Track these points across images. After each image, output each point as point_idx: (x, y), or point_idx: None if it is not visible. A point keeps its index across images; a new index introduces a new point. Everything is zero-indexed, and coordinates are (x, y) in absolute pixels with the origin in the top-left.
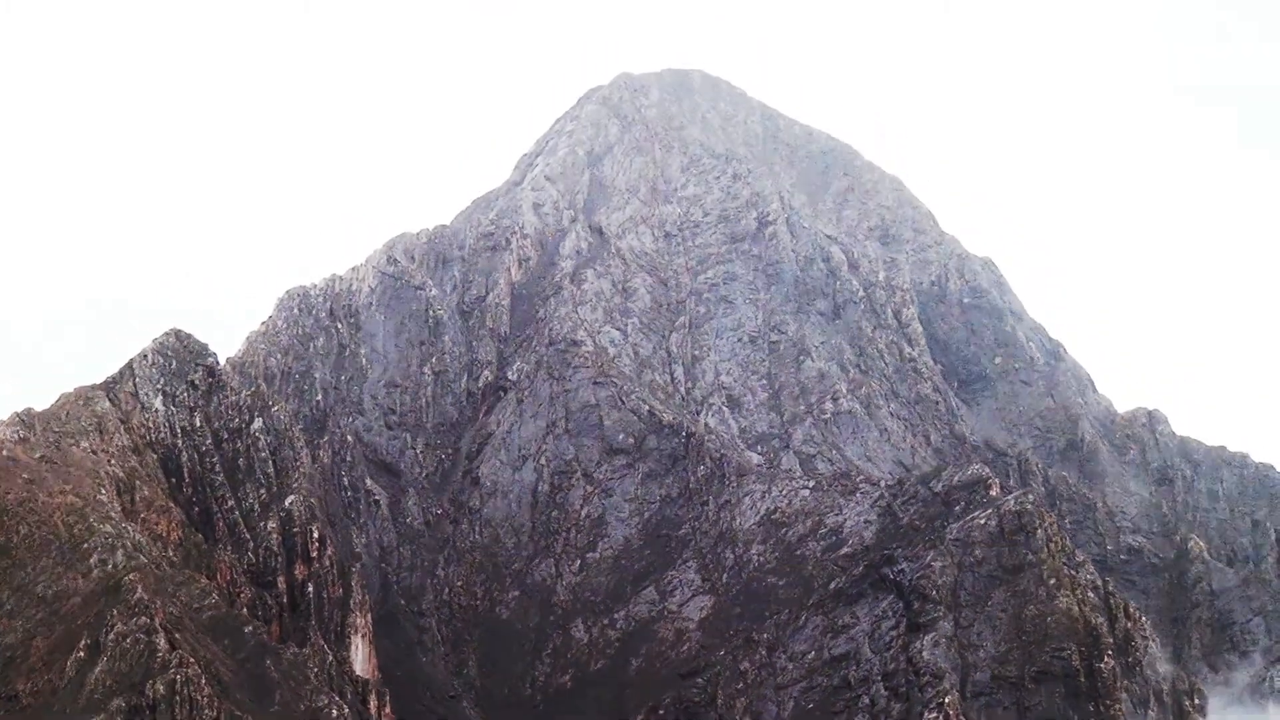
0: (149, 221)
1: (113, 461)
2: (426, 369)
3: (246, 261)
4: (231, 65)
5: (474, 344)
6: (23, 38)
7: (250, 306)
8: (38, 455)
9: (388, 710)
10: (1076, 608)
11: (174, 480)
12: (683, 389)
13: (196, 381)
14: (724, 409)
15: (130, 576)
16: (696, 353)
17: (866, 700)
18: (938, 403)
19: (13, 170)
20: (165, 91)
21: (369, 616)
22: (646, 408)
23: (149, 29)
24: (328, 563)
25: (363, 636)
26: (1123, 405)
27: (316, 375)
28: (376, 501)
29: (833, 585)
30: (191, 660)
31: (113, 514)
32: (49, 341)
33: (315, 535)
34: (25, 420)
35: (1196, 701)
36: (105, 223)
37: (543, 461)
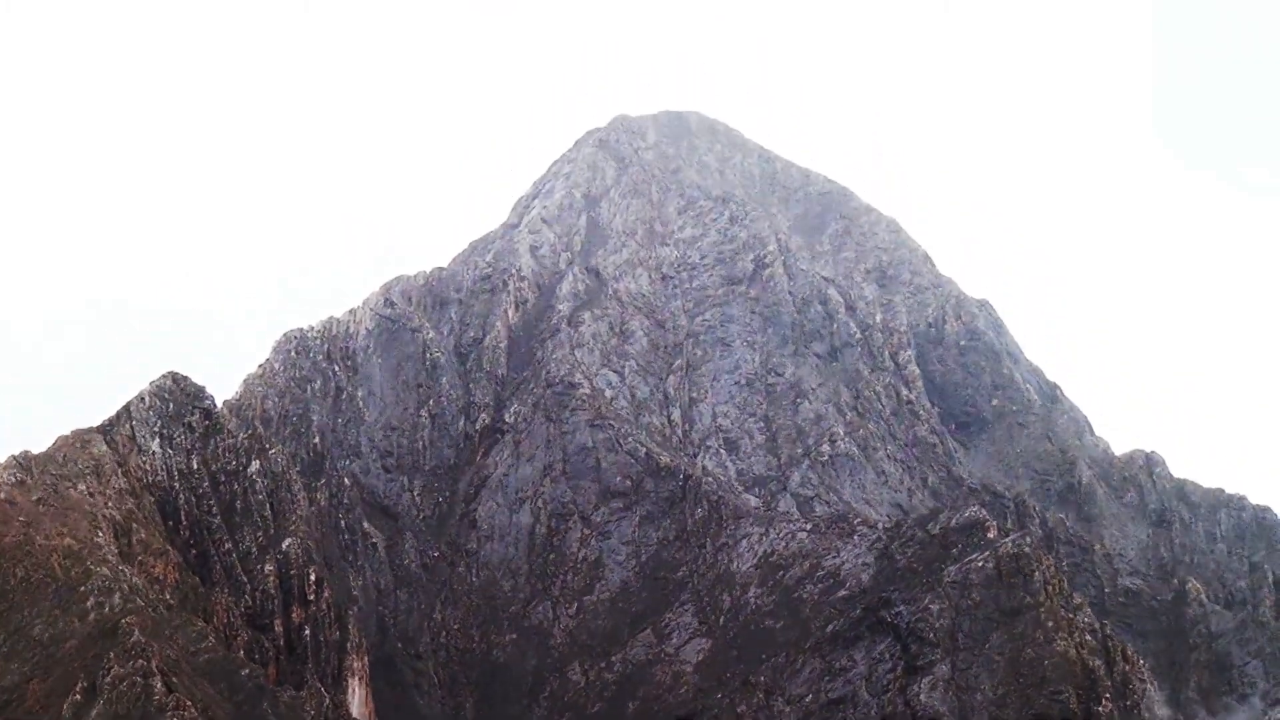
0: (149, 221)
1: (110, 504)
2: (424, 411)
3: (247, 262)
4: (234, 70)
5: (471, 386)
6: (23, 37)
7: (250, 307)
8: (35, 498)
9: None
10: (1074, 651)
11: (171, 523)
12: (680, 431)
13: (193, 424)
14: (721, 451)
15: (127, 619)
16: (694, 395)
17: None
18: (935, 445)
19: (13, 170)
20: (166, 93)
21: (366, 659)
22: (644, 450)
23: (150, 34)
24: (325, 605)
25: (359, 679)
26: (1120, 447)
27: (313, 418)
28: (374, 544)
29: (830, 628)
30: (188, 703)
31: (110, 557)
32: (49, 341)
33: (312, 578)
34: (22, 463)
35: None
36: (105, 223)
37: (540, 504)
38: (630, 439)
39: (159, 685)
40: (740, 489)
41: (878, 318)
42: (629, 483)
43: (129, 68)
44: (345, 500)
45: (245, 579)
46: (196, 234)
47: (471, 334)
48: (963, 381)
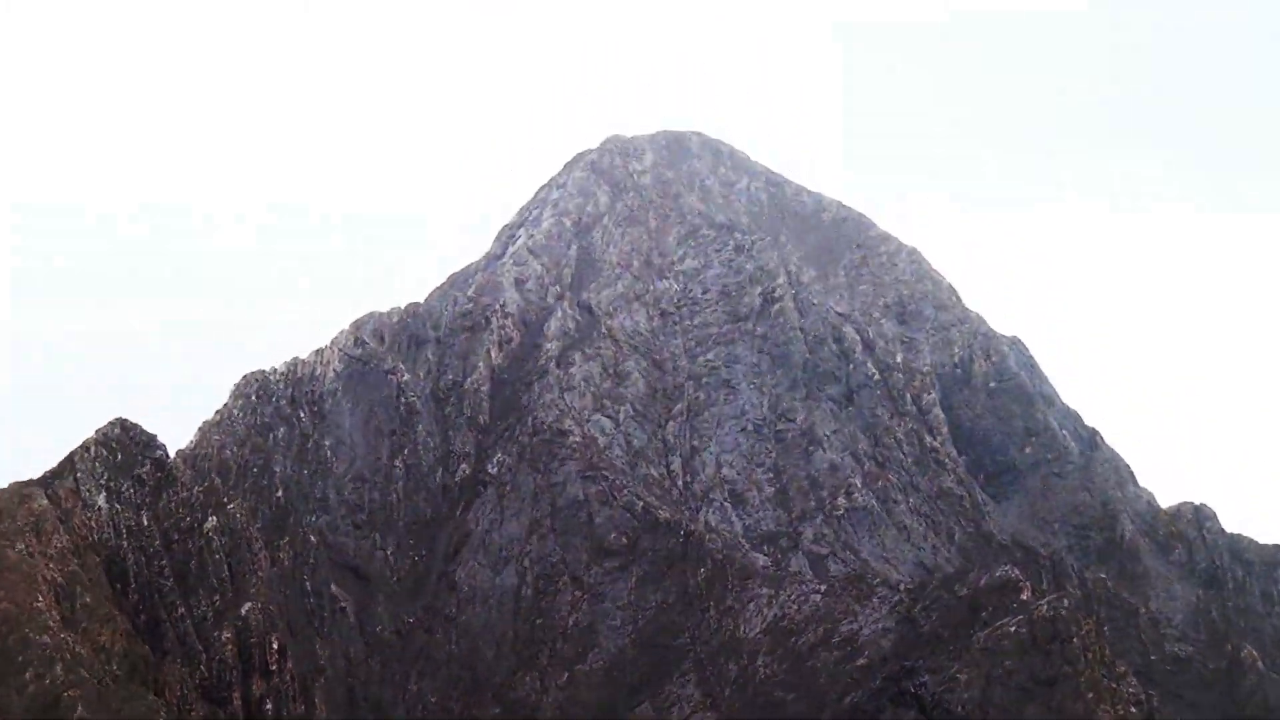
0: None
1: (51, 565)
2: (398, 462)
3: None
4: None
5: (450, 434)
6: None
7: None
8: None
9: None
10: None
11: (118, 585)
12: (680, 483)
13: (144, 476)
14: (726, 505)
15: (70, 693)
16: (696, 443)
17: None
18: (962, 497)
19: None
20: (150, 104)
21: None
22: (640, 504)
23: (136, 54)
24: (288, 677)
25: None
26: (1166, 499)
27: (276, 469)
28: (342, 608)
29: (848, 700)
30: None
31: (50, 623)
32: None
33: (274, 646)
34: None
35: None
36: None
37: (526, 564)
38: (626, 491)
39: None
40: (747, 546)
41: (898, 357)
42: (624, 540)
43: (113, 79)
44: (311, 560)
45: (200, 647)
46: None
47: (450, 376)
48: (992, 427)
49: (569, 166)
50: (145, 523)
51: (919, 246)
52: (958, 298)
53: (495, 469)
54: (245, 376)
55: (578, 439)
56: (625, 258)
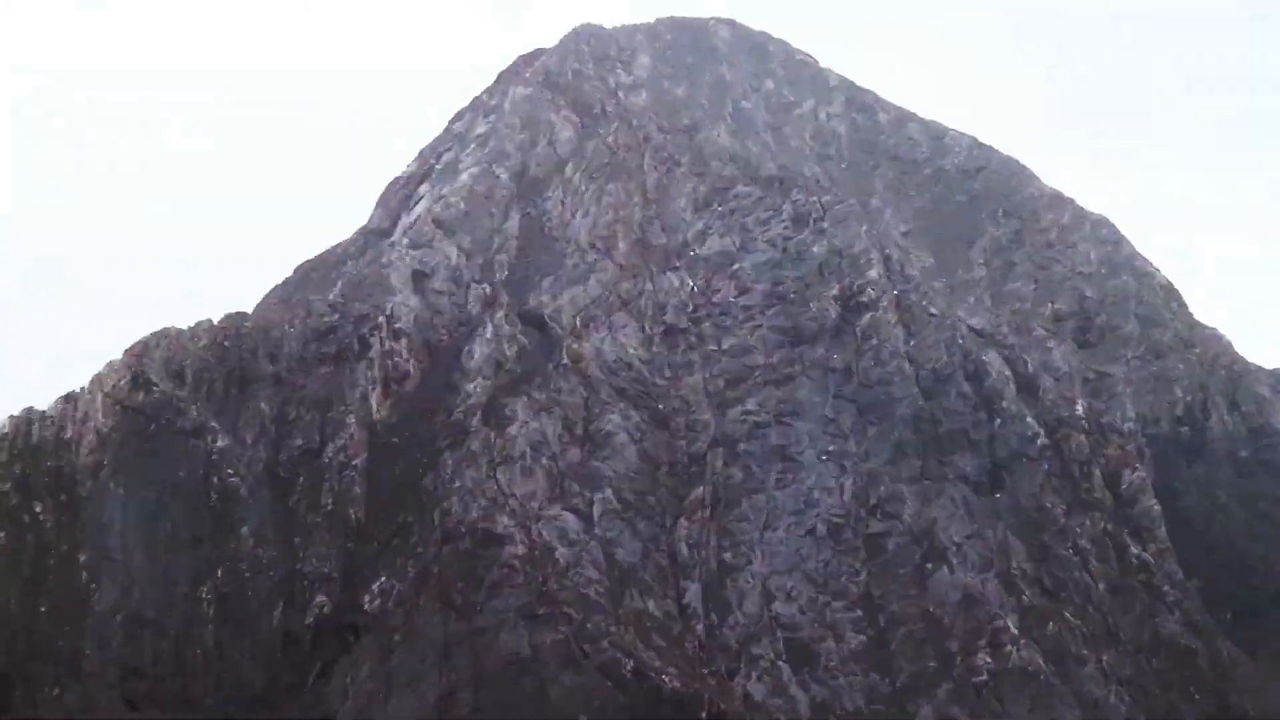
0: None
1: None
2: (206, 591)
3: None
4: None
5: (298, 541)
6: None
7: None
8: None
9: None
10: None
11: None
12: (702, 627)
13: None
14: (780, 666)
15: None
16: (727, 555)
17: None
18: (1195, 650)
19: None
20: None
21: None
22: (630, 664)
23: None
24: None
25: None
26: None
27: None
28: None
29: None
30: None
31: None
32: None
33: None
34: None
35: None
36: None
37: None
38: (605, 643)
39: None
40: None
41: (1079, 407)
42: None
43: None
44: None
45: None
46: None
47: (300, 441)
48: (1245, 529)
49: (504, 79)
50: None
51: None
52: (1180, 303)
53: (376, 604)
54: None
55: (520, 550)
56: (604, 233)
